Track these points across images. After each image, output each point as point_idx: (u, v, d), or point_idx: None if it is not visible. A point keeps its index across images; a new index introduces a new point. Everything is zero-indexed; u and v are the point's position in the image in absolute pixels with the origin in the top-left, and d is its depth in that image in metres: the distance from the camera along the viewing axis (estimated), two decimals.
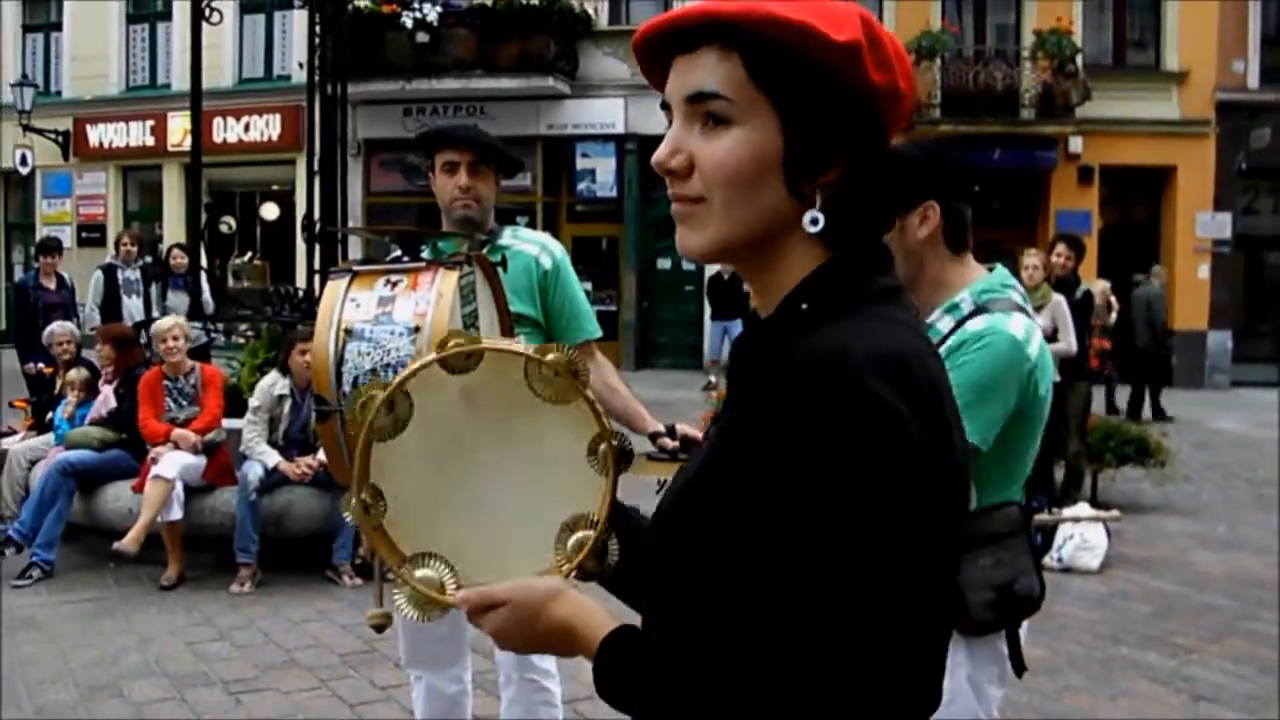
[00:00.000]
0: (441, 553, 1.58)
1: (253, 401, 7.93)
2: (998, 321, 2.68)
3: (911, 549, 1.28)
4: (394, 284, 2.70)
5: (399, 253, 3.04)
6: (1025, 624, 2.87)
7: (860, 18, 1.35)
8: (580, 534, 1.59)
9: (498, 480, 1.59)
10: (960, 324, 2.72)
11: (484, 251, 3.23)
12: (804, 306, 1.38)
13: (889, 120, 1.40)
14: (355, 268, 2.73)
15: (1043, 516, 8.29)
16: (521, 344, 1.60)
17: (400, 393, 1.54)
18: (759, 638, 1.25)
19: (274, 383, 7.87)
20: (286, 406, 7.81)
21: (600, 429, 1.58)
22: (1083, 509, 8.71)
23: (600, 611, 1.45)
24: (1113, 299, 14.86)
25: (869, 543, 1.24)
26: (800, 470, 1.24)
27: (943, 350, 2.68)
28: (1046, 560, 8.02)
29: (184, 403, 8.19)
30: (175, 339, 8.16)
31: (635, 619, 1.49)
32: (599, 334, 4.02)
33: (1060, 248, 10.05)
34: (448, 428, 1.58)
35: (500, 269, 2.97)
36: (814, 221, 1.37)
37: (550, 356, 1.55)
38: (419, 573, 1.57)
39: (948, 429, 1.34)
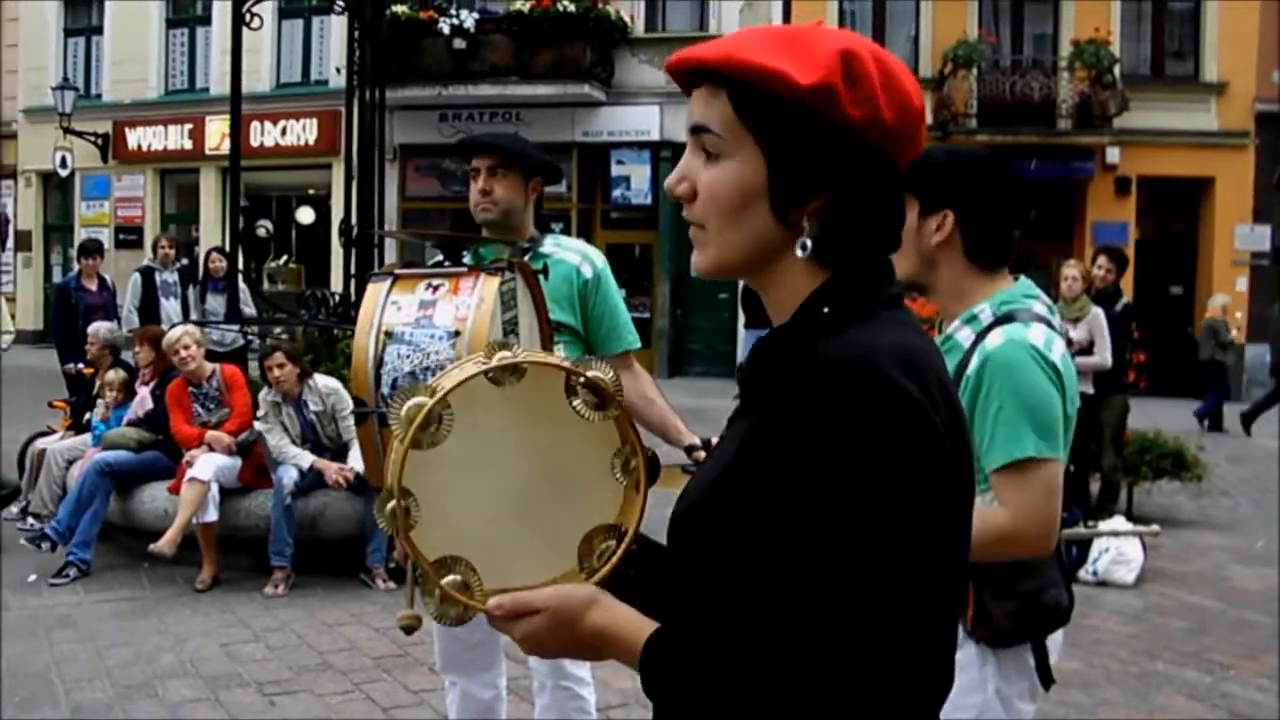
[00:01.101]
0: (470, 559, 1.59)
1: (259, 412, 8.00)
2: (1016, 331, 2.66)
3: (937, 536, 1.36)
4: (435, 288, 2.71)
5: (440, 257, 3.05)
6: (1059, 637, 2.85)
7: (839, 55, 1.41)
8: (605, 544, 1.62)
9: (529, 490, 1.61)
10: (981, 336, 2.69)
11: (526, 259, 3.23)
12: (825, 310, 1.46)
13: (887, 147, 1.46)
14: (397, 271, 2.74)
15: (1079, 530, 8.22)
16: (562, 358, 1.62)
17: (444, 404, 1.55)
18: (802, 625, 1.31)
19: (266, 393, 7.93)
20: (284, 413, 7.86)
21: (632, 444, 1.61)
22: (1121, 523, 8.63)
23: (637, 615, 1.50)
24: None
25: (903, 531, 1.32)
26: (835, 464, 1.30)
27: (968, 372, 2.66)
28: (1081, 574, 7.97)
29: (211, 406, 8.23)
30: (186, 348, 8.19)
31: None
32: (638, 344, 4.02)
33: (1101, 260, 9.98)
34: (483, 436, 1.59)
35: (541, 276, 2.97)
36: (803, 248, 1.46)
37: (590, 372, 1.57)
38: (448, 578, 1.58)
39: (962, 424, 1.45)
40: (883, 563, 1.30)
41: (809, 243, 1.45)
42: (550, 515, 1.61)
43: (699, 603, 1.45)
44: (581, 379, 1.56)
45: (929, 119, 20.53)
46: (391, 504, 1.55)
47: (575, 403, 1.58)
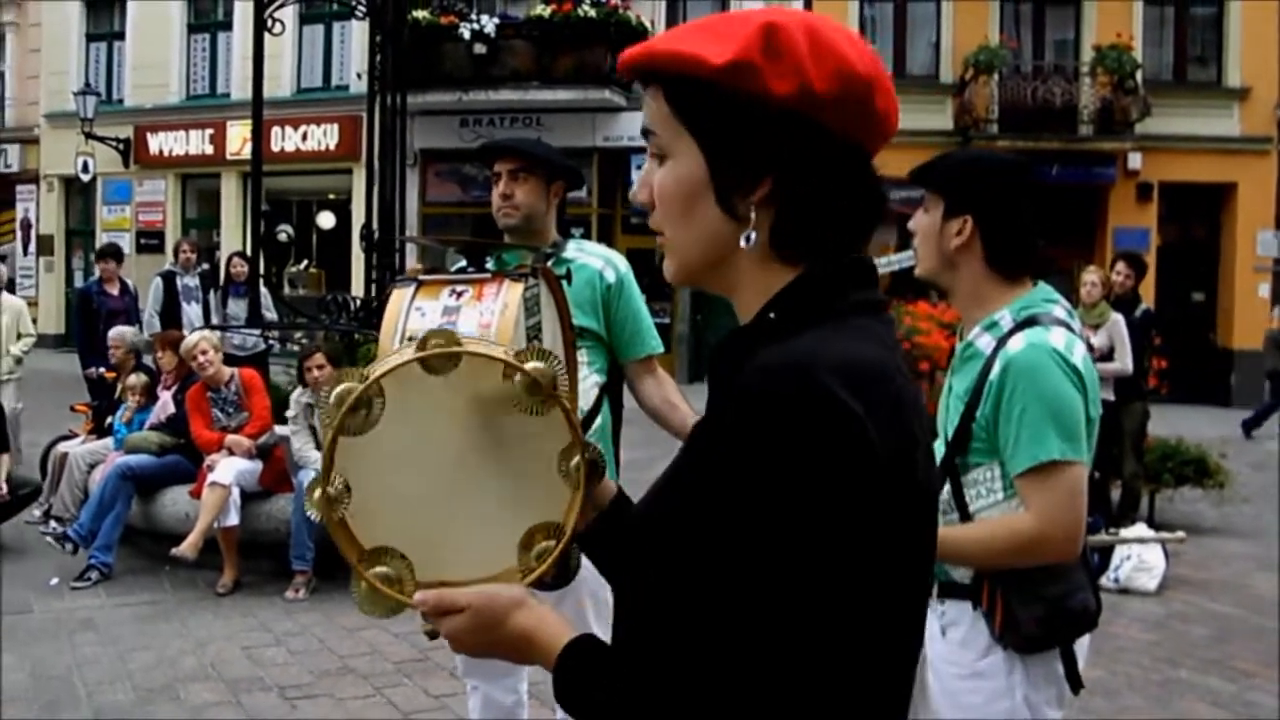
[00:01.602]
0: (402, 550, 1.56)
1: (289, 413, 8.02)
2: (1037, 335, 2.65)
3: (868, 556, 1.26)
4: (459, 294, 2.70)
5: (464, 263, 3.05)
6: (1085, 643, 2.84)
7: (760, 30, 1.35)
8: (544, 543, 1.57)
9: (467, 483, 1.57)
10: (1002, 342, 2.68)
11: (549, 264, 3.23)
12: (771, 315, 1.40)
13: (828, 120, 1.37)
14: (421, 277, 2.74)
15: (1102, 537, 8.19)
16: (502, 350, 1.58)
17: (375, 389, 1.52)
18: (717, 646, 1.25)
19: (300, 393, 7.95)
20: (316, 415, 7.87)
21: (573, 440, 1.56)
22: (1143, 530, 8.60)
23: (561, 622, 1.47)
24: None
25: (825, 546, 1.23)
26: (754, 474, 1.23)
27: (990, 378, 2.66)
28: (1103, 581, 7.93)
29: (230, 410, 8.27)
30: (204, 353, 8.23)
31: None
32: (661, 349, 4.02)
33: (1120, 266, 9.94)
34: (422, 427, 1.55)
35: (565, 282, 2.97)
36: (748, 240, 1.40)
37: (529, 365, 1.52)
38: (377, 569, 1.55)
39: (912, 446, 1.33)
40: (795, 584, 1.23)
41: (754, 235, 1.39)
42: (493, 511, 1.57)
43: (623, 608, 1.44)
44: (518, 372, 1.51)
45: (949, 124, 20.37)
46: (319, 491, 1.53)
47: (516, 394, 1.53)
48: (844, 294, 1.41)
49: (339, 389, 1.52)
